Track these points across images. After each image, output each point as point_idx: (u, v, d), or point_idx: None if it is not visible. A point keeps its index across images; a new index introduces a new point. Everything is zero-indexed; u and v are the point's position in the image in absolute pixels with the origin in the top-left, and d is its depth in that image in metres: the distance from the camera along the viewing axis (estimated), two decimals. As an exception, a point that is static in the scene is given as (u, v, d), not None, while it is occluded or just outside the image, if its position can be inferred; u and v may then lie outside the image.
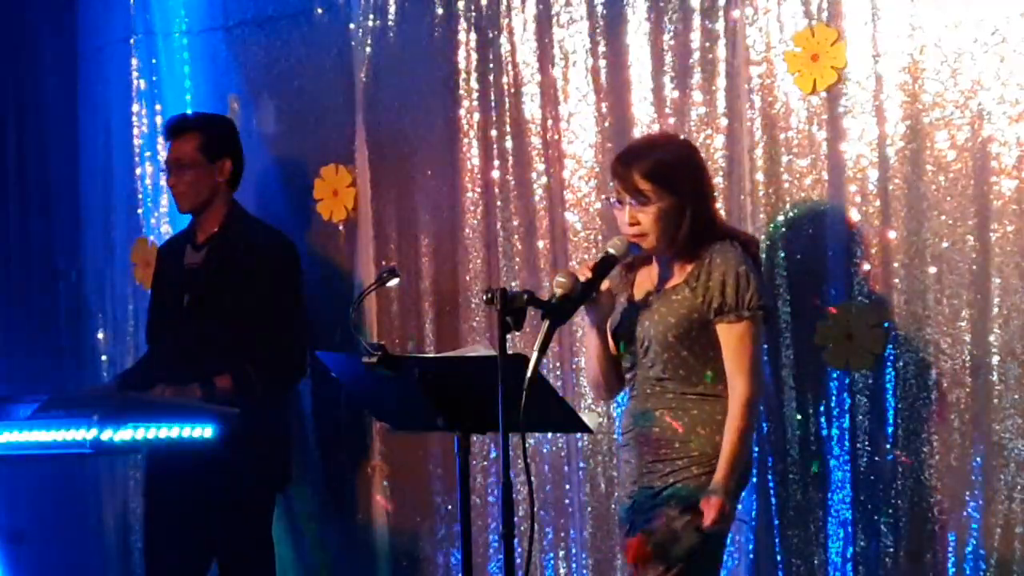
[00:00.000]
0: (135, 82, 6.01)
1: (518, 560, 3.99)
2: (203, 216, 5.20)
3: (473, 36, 5.27)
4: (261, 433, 4.86)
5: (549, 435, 5.06)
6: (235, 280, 5.07)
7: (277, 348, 5.05)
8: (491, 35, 5.23)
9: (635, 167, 3.97)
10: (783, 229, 4.66)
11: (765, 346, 4.42)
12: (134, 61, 6.01)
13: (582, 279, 3.86)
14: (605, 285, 3.99)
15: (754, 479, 4.47)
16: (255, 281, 5.05)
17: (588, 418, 4.10)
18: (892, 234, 4.52)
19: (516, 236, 5.18)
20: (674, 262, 4.04)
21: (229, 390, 4.91)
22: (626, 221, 3.99)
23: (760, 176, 4.70)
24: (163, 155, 5.54)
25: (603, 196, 4.89)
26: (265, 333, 5.02)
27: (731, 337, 3.95)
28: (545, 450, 5.11)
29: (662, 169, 3.96)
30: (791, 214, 4.66)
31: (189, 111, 5.75)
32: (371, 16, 5.48)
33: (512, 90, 5.19)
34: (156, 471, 5.23)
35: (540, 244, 5.13)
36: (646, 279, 4.11)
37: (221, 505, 4.97)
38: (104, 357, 6.06)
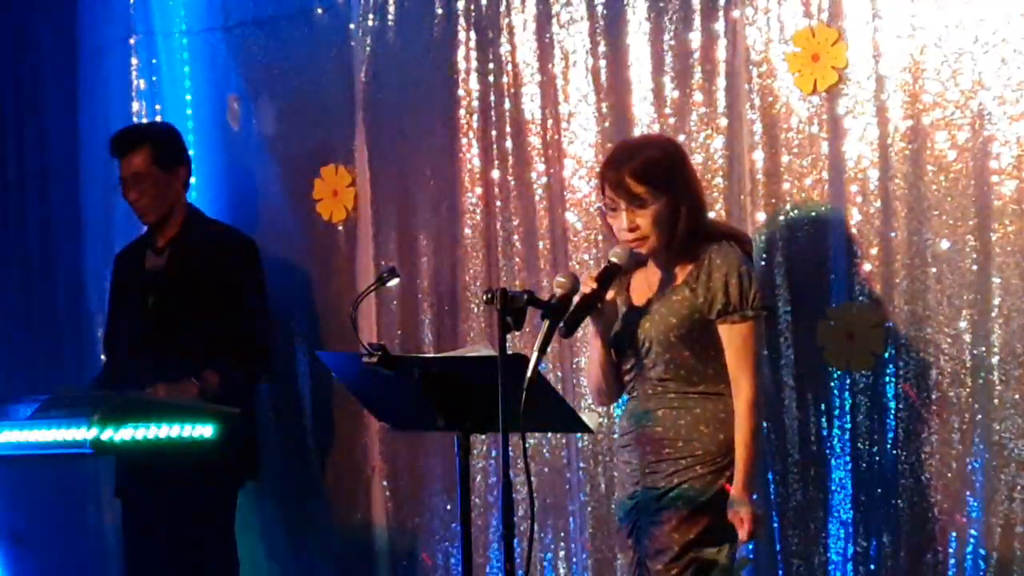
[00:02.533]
0: (135, 82, 6.01)
1: (518, 560, 3.98)
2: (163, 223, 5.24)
3: (473, 36, 5.27)
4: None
5: (549, 435, 5.06)
6: (200, 279, 5.13)
7: (249, 342, 5.11)
8: (491, 35, 5.23)
9: (626, 171, 3.94)
10: (783, 229, 4.65)
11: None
12: (134, 61, 6.01)
13: (587, 291, 3.85)
14: (610, 295, 3.98)
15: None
16: (221, 279, 5.13)
17: (588, 418, 4.10)
18: (892, 234, 4.51)
19: (516, 236, 5.18)
20: (672, 264, 4.03)
21: (216, 386, 4.94)
22: (623, 227, 3.96)
23: (760, 176, 4.69)
24: None
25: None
26: (236, 328, 5.07)
27: (735, 337, 3.94)
28: (545, 450, 5.10)
29: (653, 169, 3.95)
30: (791, 214, 4.65)
31: (188, 111, 5.77)
32: (371, 16, 5.48)
33: (512, 90, 5.18)
34: (124, 468, 5.25)
35: (540, 244, 5.12)
36: (642, 282, 4.10)
37: (183, 498, 4.98)
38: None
